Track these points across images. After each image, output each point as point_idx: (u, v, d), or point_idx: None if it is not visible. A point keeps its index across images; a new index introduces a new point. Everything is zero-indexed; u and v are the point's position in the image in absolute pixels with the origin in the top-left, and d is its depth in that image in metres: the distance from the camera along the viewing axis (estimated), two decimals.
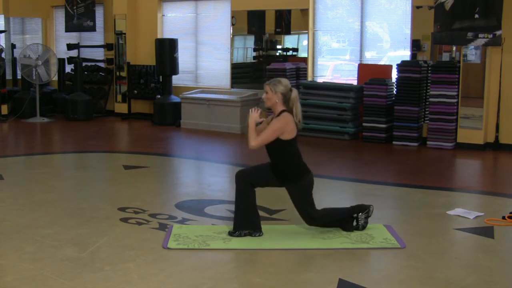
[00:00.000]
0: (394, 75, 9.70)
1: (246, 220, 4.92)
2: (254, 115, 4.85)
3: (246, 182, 4.91)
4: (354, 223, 5.05)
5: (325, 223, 5.09)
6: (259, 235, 4.92)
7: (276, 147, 4.85)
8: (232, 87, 11.55)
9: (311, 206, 4.96)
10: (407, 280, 4.14)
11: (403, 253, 4.61)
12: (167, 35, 12.29)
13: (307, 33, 10.72)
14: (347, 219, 5.08)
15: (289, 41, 11.32)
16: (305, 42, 10.88)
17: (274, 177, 4.91)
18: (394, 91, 9.70)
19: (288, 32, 11.16)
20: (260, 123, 4.95)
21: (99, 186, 7.00)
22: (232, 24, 11.43)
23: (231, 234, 4.93)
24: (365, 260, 4.51)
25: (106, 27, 13.00)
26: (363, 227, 5.06)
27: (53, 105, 12.93)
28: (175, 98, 11.67)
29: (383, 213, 5.74)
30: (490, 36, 8.75)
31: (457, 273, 4.28)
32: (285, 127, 4.80)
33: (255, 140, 4.81)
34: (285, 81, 4.89)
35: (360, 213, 5.06)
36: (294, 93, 4.88)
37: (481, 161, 8.58)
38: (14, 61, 12.86)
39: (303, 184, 4.90)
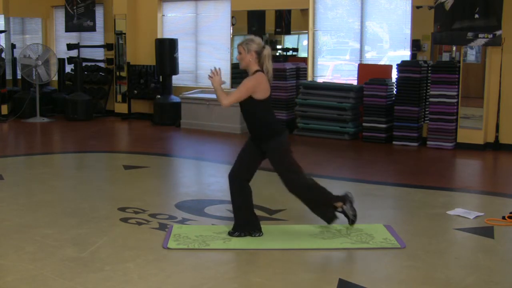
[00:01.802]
0: (394, 75, 9.70)
1: (244, 220, 4.92)
2: (217, 78, 4.80)
3: (239, 180, 4.89)
4: (342, 215, 4.96)
5: (305, 198, 4.98)
6: (259, 235, 4.91)
7: (250, 106, 4.80)
8: (232, 87, 11.54)
9: (293, 167, 4.86)
10: (407, 280, 4.14)
11: (403, 253, 4.61)
12: (167, 35, 12.29)
13: (307, 33, 10.72)
14: (327, 206, 4.98)
15: (289, 41, 11.32)
16: (305, 42, 10.88)
17: (254, 149, 4.86)
18: (394, 91, 9.70)
19: (288, 32, 11.16)
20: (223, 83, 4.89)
21: (99, 186, 7.00)
22: (232, 24, 11.43)
23: (231, 234, 4.93)
24: (365, 260, 4.51)
25: (106, 27, 13.00)
26: (354, 217, 4.96)
27: (53, 105, 12.93)
28: (175, 98, 11.67)
29: (383, 213, 5.75)
30: (490, 36, 8.75)
31: (457, 273, 4.28)
32: (257, 86, 4.75)
33: (227, 99, 4.76)
34: (257, 39, 4.87)
35: (344, 206, 4.96)
36: (267, 50, 4.84)
37: (481, 161, 8.58)
38: (14, 61, 12.86)
39: (282, 141, 4.84)
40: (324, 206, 5.03)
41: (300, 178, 4.91)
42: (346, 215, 4.99)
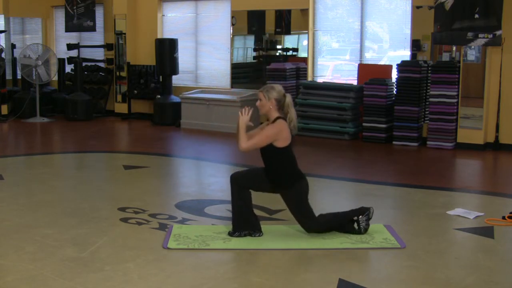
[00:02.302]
0: (394, 75, 9.70)
1: (244, 221, 4.92)
2: (245, 118, 4.80)
3: (240, 186, 4.90)
4: (356, 226, 4.98)
5: (325, 230, 5.01)
6: (259, 236, 4.91)
7: (270, 153, 4.83)
8: (232, 87, 11.55)
9: (308, 214, 4.90)
10: (407, 280, 4.14)
11: (403, 253, 4.61)
12: (167, 35, 12.29)
13: (307, 33, 10.72)
14: (346, 223, 5.03)
15: (289, 41, 11.32)
16: (305, 42, 10.88)
17: (267, 183, 4.89)
18: (394, 91, 9.70)
19: (288, 32, 11.16)
20: (252, 126, 4.89)
21: (99, 186, 7.00)
22: (232, 24, 11.43)
23: (230, 234, 4.93)
24: (365, 260, 4.51)
25: (106, 27, 13.00)
26: (365, 230, 4.98)
27: (53, 105, 12.93)
28: (175, 98, 11.66)
29: (383, 213, 5.74)
30: (490, 36, 8.75)
31: (457, 273, 4.28)
32: (279, 134, 4.76)
33: (246, 143, 4.77)
34: (278, 87, 4.87)
35: (361, 216, 4.98)
36: (288, 98, 4.85)
37: (481, 161, 8.58)
38: (14, 61, 12.86)
39: (297, 190, 4.85)
40: (344, 224, 5.03)
41: (313, 222, 4.93)
42: (357, 223, 4.96)
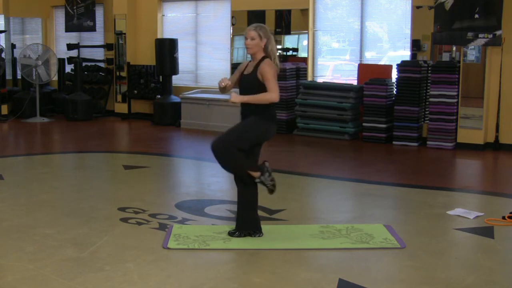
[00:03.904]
0: (394, 75, 9.70)
1: (245, 220, 4.91)
2: (238, 97, 4.69)
3: (243, 179, 4.81)
4: (268, 190, 4.83)
5: (227, 161, 4.75)
6: (259, 236, 4.91)
7: (260, 91, 4.71)
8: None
9: (238, 141, 4.65)
10: (407, 280, 4.14)
11: (403, 253, 4.61)
12: (167, 35, 12.29)
13: (307, 33, 10.72)
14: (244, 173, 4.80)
15: (289, 41, 11.32)
16: (305, 42, 10.88)
17: (260, 128, 4.74)
18: (394, 91, 9.70)
19: (288, 32, 11.16)
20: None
21: (99, 186, 7.00)
22: (232, 24, 11.44)
23: (231, 234, 4.92)
24: (365, 260, 4.50)
25: (106, 27, 13.00)
26: (273, 186, 4.80)
27: (53, 105, 12.93)
28: (175, 98, 11.66)
29: (383, 213, 5.75)
30: (490, 36, 8.75)
31: (457, 273, 4.28)
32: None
33: (274, 93, 4.65)
34: (266, 26, 4.91)
35: (262, 176, 4.77)
36: (273, 36, 4.87)
37: (481, 161, 8.58)
38: (14, 61, 12.86)
39: (263, 125, 4.72)
40: (241, 169, 4.82)
41: (232, 150, 4.67)
42: (264, 184, 4.80)
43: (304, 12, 10.73)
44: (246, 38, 4.86)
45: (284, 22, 11.11)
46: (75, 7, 13.16)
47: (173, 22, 12.45)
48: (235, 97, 4.69)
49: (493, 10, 8.71)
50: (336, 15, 10.63)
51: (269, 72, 4.69)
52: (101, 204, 5.98)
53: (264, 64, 4.74)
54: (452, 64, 9.20)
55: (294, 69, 10.60)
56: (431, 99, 9.28)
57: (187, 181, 7.47)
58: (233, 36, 11.47)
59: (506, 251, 4.80)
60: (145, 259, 4.42)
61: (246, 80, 4.85)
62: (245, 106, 4.80)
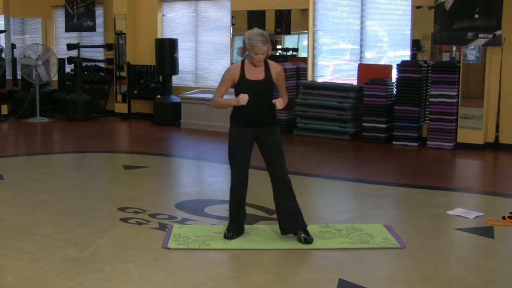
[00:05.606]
0: (394, 75, 9.70)
1: (233, 220, 4.92)
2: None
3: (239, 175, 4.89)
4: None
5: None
6: (231, 236, 4.84)
7: (272, 93, 4.83)
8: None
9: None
10: (407, 280, 4.14)
11: (403, 253, 4.61)
12: (167, 35, 12.29)
13: (307, 33, 10.72)
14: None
15: (289, 41, 11.31)
16: (305, 42, 10.88)
17: (250, 140, 4.83)
18: (394, 91, 9.70)
19: (288, 32, 11.15)
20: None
21: (99, 186, 7.00)
22: (232, 24, 11.43)
23: (225, 236, 4.91)
24: (365, 260, 4.50)
25: (106, 27, 13.00)
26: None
27: (53, 105, 12.93)
28: (175, 98, 11.66)
29: (383, 213, 5.75)
30: (490, 36, 8.75)
31: (457, 273, 4.28)
32: None
33: (286, 97, 4.83)
34: (263, 31, 5.01)
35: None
36: None
37: (481, 161, 8.58)
38: (14, 61, 12.86)
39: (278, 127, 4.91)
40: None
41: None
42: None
43: (304, 12, 10.73)
44: (256, 53, 4.71)
45: (284, 22, 11.10)
46: (75, 7, 13.16)
47: (173, 22, 12.45)
48: (281, 103, 4.69)
49: (493, 10, 8.71)
50: (336, 15, 10.63)
51: (283, 78, 4.88)
52: (101, 204, 5.98)
53: (278, 67, 4.86)
54: (452, 64, 9.20)
55: (294, 69, 10.59)
56: (431, 99, 9.28)
57: (187, 181, 7.47)
58: (233, 36, 11.47)
59: (506, 251, 4.80)
60: (145, 259, 4.42)
61: (263, 85, 4.75)
62: (264, 113, 4.76)
